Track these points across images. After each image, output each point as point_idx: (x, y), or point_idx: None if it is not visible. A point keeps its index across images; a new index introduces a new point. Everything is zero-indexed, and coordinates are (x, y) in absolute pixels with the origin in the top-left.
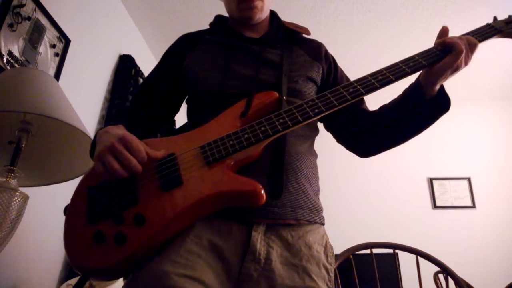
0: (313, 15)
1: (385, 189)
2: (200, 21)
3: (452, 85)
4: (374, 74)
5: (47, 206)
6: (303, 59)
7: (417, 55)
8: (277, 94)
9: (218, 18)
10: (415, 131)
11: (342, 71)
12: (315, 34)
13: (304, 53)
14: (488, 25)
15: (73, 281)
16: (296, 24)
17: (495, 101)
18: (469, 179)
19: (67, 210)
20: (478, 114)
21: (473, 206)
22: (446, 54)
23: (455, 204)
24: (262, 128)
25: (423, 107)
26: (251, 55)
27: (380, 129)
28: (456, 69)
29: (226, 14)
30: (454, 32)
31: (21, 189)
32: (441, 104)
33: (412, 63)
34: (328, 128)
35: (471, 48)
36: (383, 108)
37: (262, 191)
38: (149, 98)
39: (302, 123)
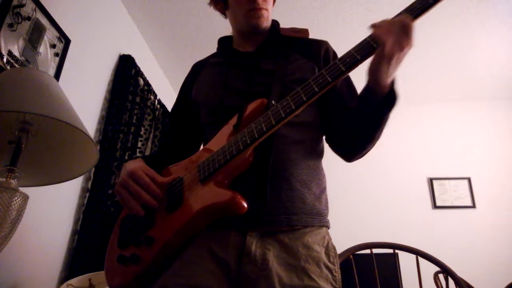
0: (312, 15)
1: (385, 189)
2: (200, 21)
3: (452, 85)
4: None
5: (47, 206)
6: (299, 62)
7: (353, 49)
8: (265, 100)
9: (220, 40)
10: (372, 130)
11: None
12: (313, 35)
13: (301, 57)
14: None
15: (73, 281)
16: (294, 29)
17: (495, 101)
18: (469, 179)
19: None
20: (478, 114)
21: (473, 206)
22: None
23: (455, 204)
24: (243, 139)
25: (374, 107)
26: (246, 69)
27: (351, 125)
28: (390, 58)
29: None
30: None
31: (21, 189)
32: (389, 101)
33: (349, 59)
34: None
35: (405, 30)
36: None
37: (240, 200)
38: (175, 130)
39: (276, 125)
